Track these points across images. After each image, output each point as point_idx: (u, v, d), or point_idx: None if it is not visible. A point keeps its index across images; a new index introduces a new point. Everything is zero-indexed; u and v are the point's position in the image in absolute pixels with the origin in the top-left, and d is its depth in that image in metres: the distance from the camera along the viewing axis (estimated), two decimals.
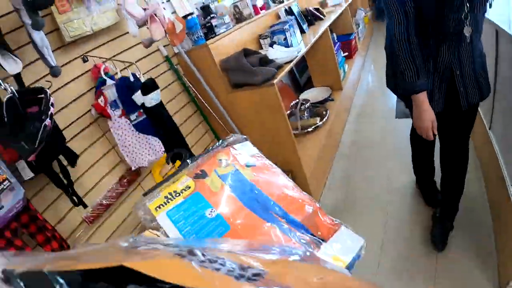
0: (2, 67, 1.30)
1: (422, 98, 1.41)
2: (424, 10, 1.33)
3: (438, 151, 1.76)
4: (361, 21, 5.61)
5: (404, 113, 3.06)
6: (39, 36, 1.45)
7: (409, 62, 1.38)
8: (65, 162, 1.55)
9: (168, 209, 0.76)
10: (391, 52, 1.54)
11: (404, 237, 1.99)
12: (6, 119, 1.26)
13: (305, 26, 3.20)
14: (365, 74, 4.69)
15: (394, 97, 3.41)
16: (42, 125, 1.26)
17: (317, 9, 3.71)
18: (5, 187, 1.20)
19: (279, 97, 2.02)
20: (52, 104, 1.33)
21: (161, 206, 0.76)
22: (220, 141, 0.92)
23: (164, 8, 1.95)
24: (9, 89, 1.31)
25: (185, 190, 0.80)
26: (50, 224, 1.45)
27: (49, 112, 1.30)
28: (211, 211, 0.75)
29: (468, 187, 1.83)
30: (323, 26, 3.23)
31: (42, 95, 1.34)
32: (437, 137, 1.71)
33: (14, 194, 1.23)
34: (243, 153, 0.92)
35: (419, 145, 1.99)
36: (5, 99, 1.27)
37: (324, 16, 3.69)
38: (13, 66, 1.33)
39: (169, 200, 0.77)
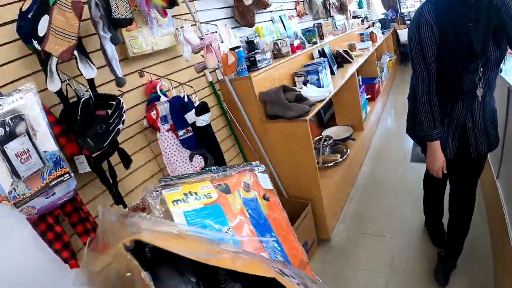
0: (80, 71, 1.48)
1: (436, 145, 1.65)
2: (443, 71, 1.55)
3: (448, 195, 1.93)
4: (385, 66, 5.86)
5: (419, 158, 3.23)
6: (110, 48, 1.62)
7: (428, 114, 1.61)
8: (113, 163, 1.73)
9: (187, 210, 0.75)
10: (413, 103, 1.79)
11: (409, 272, 2.14)
12: (79, 117, 1.46)
13: (335, 68, 3.43)
14: (385, 117, 4.89)
15: (410, 142, 3.61)
16: (116, 129, 1.47)
17: (346, 52, 3.95)
18: (65, 179, 1.32)
19: (310, 132, 2.22)
20: (124, 111, 1.54)
21: (179, 201, 0.76)
22: (247, 164, 0.97)
23: (222, 41, 2.20)
24: (86, 93, 1.53)
25: (206, 197, 0.79)
26: (92, 217, 1.60)
27: (123, 119, 1.50)
28: (227, 230, 0.77)
29: (473, 229, 1.98)
30: (351, 69, 3.46)
31: (113, 102, 1.53)
32: (447, 182, 1.95)
33: (67, 184, 1.35)
34: (262, 184, 0.96)
35: (431, 188, 2.17)
36: (82, 100, 1.47)
37: (352, 59, 3.92)
38: (89, 71, 1.50)
39: (188, 200, 0.77)
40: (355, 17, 5.99)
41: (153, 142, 2.04)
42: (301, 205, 2.37)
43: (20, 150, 1.19)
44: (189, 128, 1.92)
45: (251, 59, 2.40)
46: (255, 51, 2.50)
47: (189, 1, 2.32)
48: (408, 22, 5.42)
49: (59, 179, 1.30)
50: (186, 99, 1.92)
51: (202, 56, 2.06)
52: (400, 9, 8.30)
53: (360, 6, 6.79)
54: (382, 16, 7.06)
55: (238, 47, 2.35)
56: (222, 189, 0.83)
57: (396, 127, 4.47)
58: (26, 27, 1.42)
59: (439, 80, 1.58)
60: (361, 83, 4.10)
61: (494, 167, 2.32)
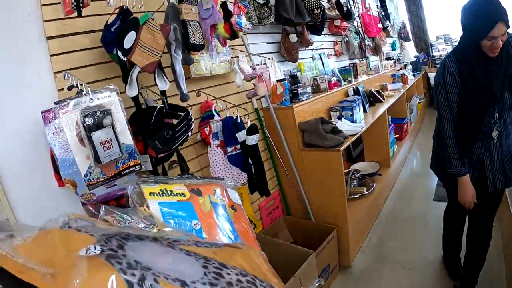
0: (155, 83, 1.72)
1: (466, 179, 1.82)
2: (464, 114, 1.78)
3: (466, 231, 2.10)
4: (415, 107, 6.01)
5: (442, 197, 3.35)
6: (179, 67, 1.86)
7: (455, 152, 1.80)
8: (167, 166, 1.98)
9: (162, 201, 0.87)
10: (439, 142, 2.01)
11: None
12: (152, 121, 1.71)
13: (367, 106, 3.66)
14: (411, 157, 5.02)
15: (434, 181, 3.76)
16: (185, 136, 1.71)
17: (378, 92, 4.17)
18: (136, 169, 1.48)
19: (342, 162, 2.42)
20: (192, 122, 1.78)
21: (155, 194, 0.87)
22: (222, 179, 1.13)
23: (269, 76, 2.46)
24: (154, 102, 1.82)
25: (180, 195, 0.92)
26: None
27: (191, 128, 1.76)
28: (196, 223, 0.89)
29: (489, 263, 2.12)
30: (382, 108, 3.67)
31: (182, 113, 1.78)
32: (466, 219, 2.13)
33: (128, 178, 1.50)
34: (231, 197, 1.11)
35: (451, 224, 2.31)
36: (158, 108, 1.75)
37: (384, 99, 4.13)
38: (163, 84, 1.72)
39: (164, 195, 0.88)
40: (388, 58, 6.22)
41: (201, 156, 2.29)
42: (327, 229, 2.53)
43: (104, 139, 1.38)
44: (238, 146, 2.16)
45: (293, 91, 2.66)
46: (298, 84, 2.76)
47: (243, 34, 2.62)
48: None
49: (130, 169, 1.47)
50: (238, 120, 2.17)
51: (254, 84, 2.32)
52: (432, 52, 8.48)
53: (393, 48, 7.02)
54: (414, 59, 7.27)
55: (284, 79, 2.61)
56: (194, 192, 0.98)
57: (421, 168, 4.59)
58: (109, 38, 1.71)
59: (460, 122, 1.80)
60: (390, 123, 4.28)
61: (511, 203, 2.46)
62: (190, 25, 1.80)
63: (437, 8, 8.10)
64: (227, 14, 2.06)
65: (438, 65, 2.02)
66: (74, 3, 1.53)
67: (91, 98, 1.42)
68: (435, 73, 1.95)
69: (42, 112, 1.35)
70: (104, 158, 1.38)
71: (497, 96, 1.68)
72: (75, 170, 1.38)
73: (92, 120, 1.37)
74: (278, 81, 2.56)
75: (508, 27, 1.57)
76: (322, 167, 2.53)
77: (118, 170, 1.45)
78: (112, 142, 1.41)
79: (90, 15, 1.73)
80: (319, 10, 3.17)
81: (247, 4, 2.07)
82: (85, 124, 1.35)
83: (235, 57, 2.36)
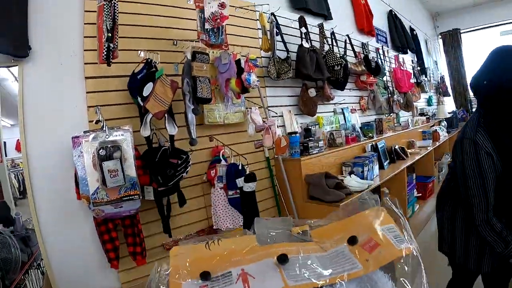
0: (165, 127, 1.98)
1: None
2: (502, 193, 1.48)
3: None
4: (445, 166, 5.81)
5: None
6: (190, 115, 2.13)
7: (496, 236, 1.46)
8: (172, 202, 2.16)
9: None
10: (453, 223, 1.72)
11: None
12: (157, 159, 1.98)
13: (386, 163, 3.66)
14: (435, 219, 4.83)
15: None
16: (180, 175, 1.96)
17: (402, 149, 4.16)
18: (134, 199, 1.76)
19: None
20: (190, 165, 2.02)
21: None
22: None
23: (278, 126, 2.60)
24: (165, 143, 2.07)
25: None
26: (143, 234, 2.01)
27: (187, 170, 1.99)
28: None
29: None
30: (402, 166, 3.65)
31: (184, 156, 2.02)
32: None
33: (134, 203, 1.80)
34: None
35: None
36: (162, 148, 2.01)
37: (407, 156, 4.11)
38: (172, 129, 2.00)
39: None
40: (422, 114, 6.16)
41: (206, 195, 2.44)
42: None
43: (112, 168, 1.69)
44: (237, 191, 2.29)
45: (304, 144, 2.76)
46: (310, 138, 2.86)
47: (261, 87, 2.80)
48: None
49: (130, 197, 1.75)
50: (240, 167, 2.31)
51: (262, 135, 2.46)
52: (471, 108, 8.19)
53: (429, 103, 6.93)
54: (450, 115, 7.08)
55: (295, 132, 2.74)
56: None
57: None
58: (134, 84, 2.01)
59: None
60: (414, 180, 4.22)
61: None
62: (199, 80, 2.00)
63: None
64: (239, 70, 2.25)
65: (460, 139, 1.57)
66: (105, 54, 1.80)
67: (107, 135, 1.76)
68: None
69: (72, 138, 1.72)
70: (110, 183, 1.68)
71: None
72: (88, 188, 1.69)
73: (105, 152, 1.70)
74: (289, 133, 2.69)
75: None
76: None
77: (120, 195, 1.74)
78: (118, 172, 1.71)
79: (120, 62, 2.01)
80: (339, 67, 3.30)
81: (257, 63, 2.25)
82: (99, 154, 1.68)
83: (249, 108, 2.52)
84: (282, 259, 0.82)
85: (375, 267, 0.83)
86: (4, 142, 1.91)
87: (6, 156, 1.91)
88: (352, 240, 0.86)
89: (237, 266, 0.83)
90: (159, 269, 0.85)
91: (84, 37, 1.99)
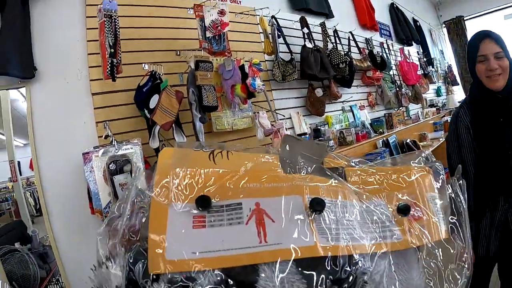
0: (174, 137, 1.99)
1: None
2: (482, 165, 1.59)
3: None
4: None
5: None
6: (198, 124, 2.13)
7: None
8: None
9: None
10: None
11: None
12: None
13: None
14: None
15: None
16: None
17: (414, 142, 4.10)
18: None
19: None
20: None
21: None
22: None
23: (287, 129, 2.59)
24: None
25: None
26: None
27: None
28: None
29: None
30: None
31: None
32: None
33: None
34: None
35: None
36: None
37: (419, 149, 4.05)
38: (180, 138, 2.00)
39: None
40: (432, 105, 6.09)
41: None
42: None
43: (123, 181, 1.69)
44: None
45: None
46: (320, 138, 2.84)
47: (267, 90, 2.79)
48: None
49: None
50: None
51: (271, 139, 2.44)
52: None
53: (438, 94, 6.84)
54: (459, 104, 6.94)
55: (304, 133, 2.71)
56: None
57: None
58: (140, 97, 2.02)
59: (479, 175, 1.59)
60: None
61: None
62: (204, 89, 2.00)
63: None
64: (244, 76, 2.25)
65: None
66: (109, 70, 1.81)
67: (116, 149, 1.76)
68: None
69: (83, 154, 1.72)
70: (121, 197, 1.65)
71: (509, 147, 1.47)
72: (101, 203, 1.70)
73: (115, 166, 1.71)
74: (298, 135, 2.67)
75: (502, 48, 1.47)
76: None
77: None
78: (129, 185, 1.67)
79: (125, 77, 2.01)
80: (344, 65, 3.28)
81: (261, 67, 2.24)
82: (109, 169, 1.68)
83: (256, 112, 2.51)
84: (317, 205, 0.61)
85: (415, 244, 0.69)
86: (18, 162, 1.92)
87: (21, 175, 1.92)
88: (404, 210, 0.71)
89: (251, 196, 0.61)
90: (141, 175, 0.66)
91: (88, 54, 2.01)
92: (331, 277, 0.57)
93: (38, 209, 1.91)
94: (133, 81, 2.07)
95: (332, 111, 3.56)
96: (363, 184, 0.76)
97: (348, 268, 0.59)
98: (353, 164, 0.81)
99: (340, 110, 3.72)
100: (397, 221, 0.70)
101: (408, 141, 3.99)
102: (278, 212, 0.59)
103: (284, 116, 2.81)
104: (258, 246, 0.56)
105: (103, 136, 1.87)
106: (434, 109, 5.77)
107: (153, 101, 1.94)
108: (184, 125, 2.10)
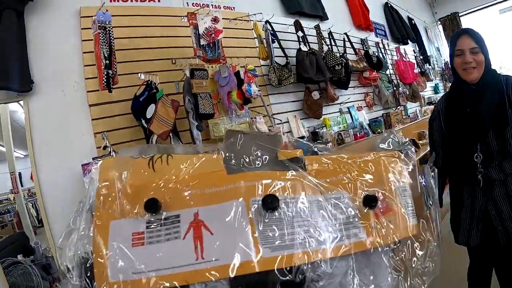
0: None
1: None
2: (451, 154, 1.69)
3: None
4: None
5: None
6: (196, 132, 2.14)
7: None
8: None
9: None
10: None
11: None
12: None
13: None
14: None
15: None
16: None
17: (413, 141, 4.10)
18: None
19: None
20: None
21: None
22: None
23: (284, 133, 2.60)
24: None
25: None
26: None
27: None
28: None
29: None
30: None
31: None
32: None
33: None
34: None
35: (477, 284, 2.10)
36: None
37: (418, 148, 4.05)
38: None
39: None
40: (430, 103, 6.08)
41: None
42: None
43: None
44: None
45: (312, 150, 2.74)
46: (318, 141, 2.85)
47: (264, 95, 2.80)
48: None
49: None
50: None
51: None
52: None
53: (436, 91, 6.84)
54: None
55: (302, 137, 2.73)
56: None
57: None
58: (137, 107, 2.03)
59: (448, 162, 1.69)
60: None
61: None
62: (200, 97, 2.01)
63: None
64: (239, 82, 2.26)
65: None
66: (105, 81, 1.82)
67: None
68: None
69: (82, 165, 1.76)
70: None
71: (472, 136, 1.57)
72: None
73: None
74: (296, 139, 2.68)
75: (477, 43, 1.58)
76: None
77: None
78: None
79: (122, 87, 2.04)
80: (340, 66, 3.29)
81: (256, 73, 2.25)
82: None
83: (253, 118, 2.53)
84: (267, 205, 0.56)
85: (381, 243, 0.63)
86: (19, 173, 1.93)
87: (22, 186, 1.94)
88: (369, 202, 0.64)
89: (191, 206, 0.57)
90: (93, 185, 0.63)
91: (84, 66, 2.03)
92: None
93: (40, 219, 1.93)
94: (129, 91, 2.08)
95: (329, 113, 3.57)
96: (325, 173, 0.68)
97: (299, 277, 0.55)
98: (316, 150, 0.74)
99: (338, 112, 3.73)
100: (362, 215, 0.64)
101: (408, 140, 3.98)
102: (219, 222, 0.56)
103: (281, 120, 2.82)
104: (194, 263, 0.53)
105: (102, 147, 1.88)
106: (433, 106, 5.74)
107: (150, 111, 1.95)
108: (182, 133, 2.12)
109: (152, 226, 0.54)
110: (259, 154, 0.66)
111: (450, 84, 1.87)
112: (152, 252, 0.53)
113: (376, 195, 0.66)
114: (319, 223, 0.59)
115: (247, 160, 0.65)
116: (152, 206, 0.53)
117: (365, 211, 0.64)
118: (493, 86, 1.59)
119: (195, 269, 0.52)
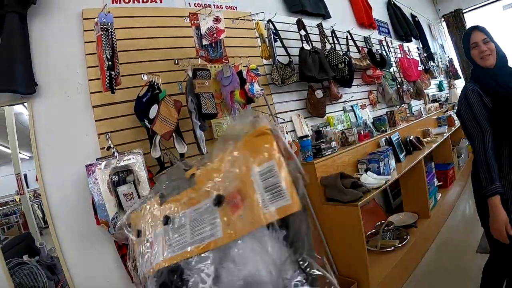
0: (175, 146, 2.01)
1: (496, 202, 1.63)
2: (498, 127, 1.75)
3: None
4: (464, 150, 5.63)
5: (485, 249, 3.10)
6: (199, 132, 2.15)
7: (485, 169, 1.68)
8: None
9: None
10: (474, 167, 1.84)
11: None
12: None
13: (402, 155, 3.58)
14: (461, 205, 4.70)
15: (480, 232, 3.46)
16: None
17: (418, 139, 4.08)
18: None
19: (360, 217, 2.42)
20: None
21: None
22: None
23: (287, 132, 2.60)
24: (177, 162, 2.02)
25: None
26: None
27: None
28: None
29: None
30: (419, 156, 3.58)
31: None
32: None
33: None
34: None
35: (490, 280, 2.10)
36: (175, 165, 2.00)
37: (423, 146, 4.04)
38: (181, 147, 2.03)
39: None
40: (434, 100, 6.05)
41: None
42: (346, 283, 2.50)
43: (127, 192, 1.76)
44: None
45: (317, 147, 2.74)
46: (321, 140, 2.84)
47: (267, 94, 2.80)
48: None
49: None
50: None
51: None
52: None
53: (440, 89, 6.81)
54: None
55: (306, 136, 2.72)
56: None
57: (471, 215, 4.29)
58: (140, 108, 2.04)
59: (495, 137, 1.74)
60: (433, 169, 4.13)
61: None
62: (203, 97, 2.02)
63: None
64: (242, 81, 2.26)
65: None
66: (108, 82, 1.83)
67: (118, 160, 1.82)
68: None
69: (86, 166, 1.77)
70: (127, 207, 1.73)
71: None
72: (107, 213, 1.75)
73: (118, 177, 1.77)
74: (300, 138, 2.68)
75: (486, 35, 1.83)
76: (342, 222, 2.53)
77: None
78: (134, 195, 1.78)
79: (125, 88, 2.06)
80: (343, 65, 3.28)
81: (258, 72, 2.25)
82: (112, 181, 1.75)
83: (256, 117, 2.52)
84: (165, 222, 0.83)
85: (237, 235, 0.70)
86: (25, 174, 1.95)
87: (28, 187, 1.96)
88: (218, 201, 0.73)
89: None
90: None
91: (87, 67, 2.04)
92: None
93: (46, 220, 1.95)
94: (132, 92, 2.10)
95: (333, 112, 3.56)
96: (205, 180, 0.79)
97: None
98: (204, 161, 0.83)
99: (341, 110, 3.72)
100: (221, 213, 0.73)
101: (411, 138, 3.97)
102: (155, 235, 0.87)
103: (284, 119, 2.82)
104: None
105: (105, 148, 1.90)
106: (437, 104, 5.72)
107: (153, 111, 1.96)
108: (185, 133, 2.12)
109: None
110: (179, 181, 0.86)
111: (471, 76, 1.97)
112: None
113: (222, 193, 0.73)
114: (188, 231, 0.79)
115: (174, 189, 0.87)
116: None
117: (219, 210, 0.73)
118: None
119: None
